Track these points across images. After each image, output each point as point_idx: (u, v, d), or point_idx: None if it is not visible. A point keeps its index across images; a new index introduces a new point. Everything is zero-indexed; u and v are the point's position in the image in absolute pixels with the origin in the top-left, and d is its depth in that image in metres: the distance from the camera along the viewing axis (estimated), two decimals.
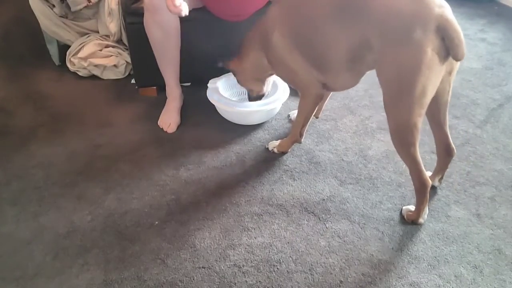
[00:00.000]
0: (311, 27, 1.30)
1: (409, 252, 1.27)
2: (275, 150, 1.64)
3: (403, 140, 1.22)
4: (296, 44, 1.36)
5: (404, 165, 1.56)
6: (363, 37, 1.18)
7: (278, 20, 1.39)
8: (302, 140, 1.63)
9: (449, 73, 1.19)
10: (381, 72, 1.20)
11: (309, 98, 1.49)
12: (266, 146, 1.67)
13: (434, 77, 1.12)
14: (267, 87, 1.72)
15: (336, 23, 1.23)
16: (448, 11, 1.09)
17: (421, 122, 1.17)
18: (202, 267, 1.23)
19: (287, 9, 1.38)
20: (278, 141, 1.66)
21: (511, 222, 1.36)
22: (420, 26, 1.07)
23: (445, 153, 1.40)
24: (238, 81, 1.70)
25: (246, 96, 1.89)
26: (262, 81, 1.68)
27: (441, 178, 1.47)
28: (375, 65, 1.21)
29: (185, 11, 1.38)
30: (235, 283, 1.19)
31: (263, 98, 1.74)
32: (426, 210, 1.34)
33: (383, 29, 1.13)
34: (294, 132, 1.60)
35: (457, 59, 1.11)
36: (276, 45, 1.41)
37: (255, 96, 1.72)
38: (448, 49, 1.09)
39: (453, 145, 1.38)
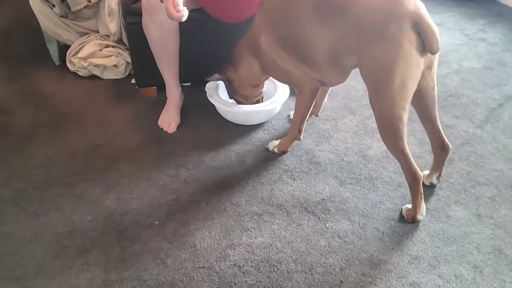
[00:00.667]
0: (294, 26, 1.34)
1: (409, 252, 1.27)
2: (275, 150, 1.64)
3: (389, 133, 1.25)
4: (281, 44, 1.40)
5: None
6: (342, 34, 1.22)
7: (263, 24, 1.43)
8: (302, 137, 1.64)
9: (429, 68, 1.22)
10: (361, 68, 1.23)
11: (305, 94, 1.52)
12: (266, 146, 1.67)
13: (412, 69, 1.15)
14: (263, 89, 1.74)
15: (316, 21, 1.26)
16: (421, 7, 1.13)
17: (406, 116, 1.20)
18: (202, 267, 1.23)
19: (270, 11, 1.42)
20: (278, 141, 1.66)
21: (511, 222, 1.36)
22: (395, 21, 1.11)
23: (440, 150, 1.41)
24: (233, 91, 1.69)
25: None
26: (258, 85, 1.69)
27: (439, 175, 1.47)
28: (357, 63, 1.25)
29: (185, 16, 1.37)
30: (235, 283, 1.19)
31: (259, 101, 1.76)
32: (423, 205, 1.34)
33: (360, 26, 1.17)
34: (293, 130, 1.61)
35: (432, 52, 1.14)
36: (264, 48, 1.45)
37: (253, 103, 1.74)
38: (424, 43, 1.13)
39: (447, 141, 1.39)
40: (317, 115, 1.82)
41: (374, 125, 1.79)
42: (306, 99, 1.53)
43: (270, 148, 1.66)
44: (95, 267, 1.23)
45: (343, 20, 1.20)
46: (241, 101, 1.73)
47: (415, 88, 1.18)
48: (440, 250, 1.28)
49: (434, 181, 1.47)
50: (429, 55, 1.16)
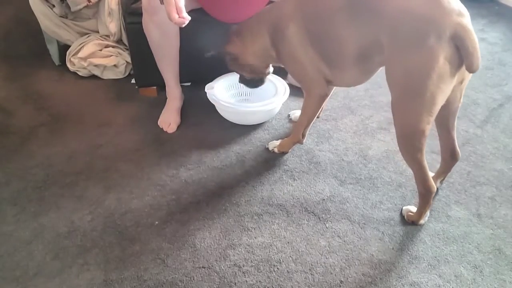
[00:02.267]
0: (324, 21, 1.28)
1: (409, 252, 1.27)
2: (276, 150, 1.64)
3: (409, 146, 1.20)
4: (309, 38, 1.34)
5: (405, 165, 1.57)
6: (374, 36, 1.16)
7: (294, 14, 1.36)
8: (304, 141, 1.63)
9: (461, 82, 1.16)
10: (389, 74, 1.17)
11: (313, 98, 1.48)
12: (266, 146, 1.67)
13: (444, 86, 1.09)
14: (270, 68, 1.67)
15: (349, 20, 1.21)
16: (467, 20, 1.05)
17: (429, 129, 1.15)
18: (202, 267, 1.23)
19: (303, 2, 1.35)
20: (279, 141, 1.65)
21: (511, 222, 1.36)
22: (435, 32, 1.04)
23: (450, 157, 1.38)
24: (236, 66, 1.61)
25: (244, 95, 1.88)
26: (265, 67, 1.63)
27: (443, 179, 1.47)
28: (384, 65, 1.20)
29: (187, 21, 1.33)
30: (235, 283, 1.19)
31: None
32: (428, 212, 1.34)
33: (395, 30, 1.10)
34: (296, 133, 1.59)
35: (471, 70, 1.07)
36: (290, 38, 1.37)
37: (258, 78, 1.67)
38: (462, 59, 1.06)
39: (458, 150, 1.37)
40: (318, 117, 1.81)
41: (374, 125, 1.80)
42: (313, 103, 1.49)
43: (270, 148, 1.65)
44: (95, 267, 1.23)
45: (378, 21, 1.14)
46: (247, 76, 1.65)
47: (443, 103, 1.12)
48: (440, 250, 1.28)
49: (437, 184, 1.46)
50: (463, 69, 1.08)
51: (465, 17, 1.06)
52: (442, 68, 1.05)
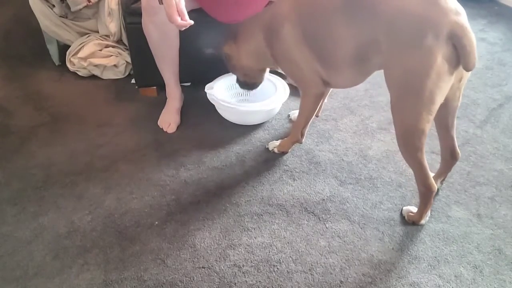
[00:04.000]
0: (320, 21, 1.28)
1: (409, 252, 1.27)
2: (276, 150, 1.64)
3: (409, 145, 1.20)
4: (305, 38, 1.33)
5: (405, 165, 1.57)
6: (371, 36, 1.16)
7: (289, 13, 1.35)
8: (303, 140, 1.63)
9: (459, 80, 1.16)
10: (388, 74, 1.17)
11: (309, 98, 1.48)
12: (266, 146, 1.67)
13: (443, 84, 1.09)
14: (265, 75, 1.68)
15: (346, 19, 1.20)
16: (464, 19, 1.05)
17: (429, 128, 1.16)
18: (202, 267, 1.23)
19: (299, 2, 1.35)
20: (279, 141, 1.65)
21: (511, 222, 1.36)
22: (432, 31, 1.04)
23: (449, 157, 1.38)
24: (231, 67, 1.62)
25: (244, 95, 1.88)
26: (260, 70, 1.63)
27: (443, 180, 1.47)
28: (382, 66, 1.19)
29: (189, 25, 1.33)
30: (235, 283, 1.19)
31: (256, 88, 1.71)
32: (428, 212, 1.34)
33: (393, 30, 1.10)
34: (295, 133, 1.59)
35: (467, 69, 1.08)
36: (285, 37, 1.37)
37: (251, 83, 1.67)
38: (459, 57, 1.06)
39: (458, 149, 1.37)
40: (317, 116, 1.81)
41: (374, 125, 1.80)
42: (310, 103, 1.49)
43: (270, 148, 1.65)
44: (95, 267, 1.23)
45: (375, 21, 1.13)
46: (241, 78, 1.66)
47: (442, 101, 1.13)
48: (440, 250, 1.28)
49: (438, 184, 1.45)
50: (461, 68, 1.09)
51: (462, 16, 1.06)
52: (440, 67, 1.06)
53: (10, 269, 1.23)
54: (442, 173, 1.45)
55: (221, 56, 1.62)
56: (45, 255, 1.27)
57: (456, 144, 1.36)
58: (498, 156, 1.62)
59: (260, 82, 1.70)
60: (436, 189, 1.27)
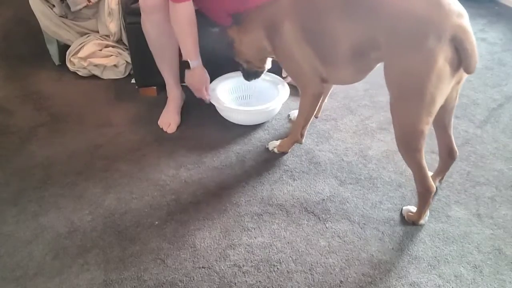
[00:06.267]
0: (320, 18, 1.28)
1: (409, 252, 1.27)
2: (276, 150, 1.64)
3: (408, 146, 1.20)
4: (305, 34, 1.33)
5: (405, 165, 1.57)
6: (370, 34, 1.15)
7: (289, 10, 1.36)
8: (303, 140, 1.63)
9: (458, 82, 1.16)
10: (388, 74, 1.17)
11: (308, 97, 1.49)
12: (266, 146, 1.67)
13: (443, 86, 1.09)
14: (267, 65, 1.67)
15: (344, 17, 1.20)
16: (466, 22, 1.05)
17: (428, 129, 1.15)
18: (202, 267, 1.23)
19: None
20: (279, 141, 1.65)
21: (511, 222, 1.36)
22: (434, 33, 1.03)
23: (447, 156, 1.39)
24: (235, 52, 1.61)
25: (247, 97, 1.87)
26: (261, 59, 1.62)
27: (442, 179, 1.47)
28: (382, 62, 1.19)
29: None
30: (235, 283, 1.19)
31: (261, 75, 1.70)
32: (427, 212, 1.34)
33: (394, 31, 1.09)
34: (295, 133, 1.59)
35: (468, 72, 1.08)
36: (285, 34, 1.37)
37: (253, 71, 1.67)
38: (460, 60, 1.06)
39: (456, 148, 1.37)
40: (316, 117, 1.81)
41: (374, 125, 1.80)
42: (308, 102, 1.50)
43: (270, 148, 1.65)
44: (95, 267, 1.23)
45: (375, 19, 1.13)
46: (244, 65, 1.65)
47: (442, 103, 1.13)
48: (440, 250, 1.28)
49: (436, 184, 1.45)
50: (461, 70, 1.08)
51: (465, 19, 1.06)
52: (441, 69, 1.05)
53: (10, 269, 1.23)
54: (440, 172, 1.45)
55: (224, 37, 1.60)
56: (45, 255, 1.27)
57: (454, 143, 1.36)
58: (498, 156, 1.62)
59: (263, 71, 1.69)
60: (435, 189, 1.27)
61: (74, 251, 1.28)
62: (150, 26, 1.62)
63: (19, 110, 1.92)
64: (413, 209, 1.36)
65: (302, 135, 1.60)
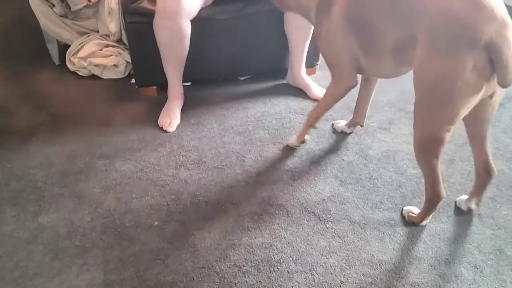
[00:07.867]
0: (368, 9, 1.25)
1: (409, 252, 1.27)
2: (295, 143, 1.64)
3: (426, 150, 1.18)
4: (350, 23, 1.30)
5: (405, 165, 1.57)
6: (411, 32, 1.12)
7: None
8: (317, 125, 1.62)
9: (491, 96, 1.11)
10: (417, 75, 1.13)
11: (339, 87, 1.45)
12: (286, 143, 1.67)
13: (469, 96, 1.04)
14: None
15: (390, 11, 1.18)
16: (508, 30, 0.98)
17: (449, 136, 1.13)
18: (202, 267, 1.23)
19: None
20: (295, 136, 1.65)
21: None
22: (469, 40, 0.99)
23: (484, 173, 1.31)
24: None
25: None
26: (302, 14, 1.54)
27: (479, 200, 1.38)
28: (414, 65, 1.15)
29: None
30: (235, 283, 1.19)
31: None
32: (430, 216, 1.33)
33: (432, 31, 1.06)
34: (309, 116, 1.59)
35: (503, 85, 1.01)
36: (333, 18, 1.34)
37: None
38: (493, 71, 1.01)
39: (493, 165, 1.30)
40: (362, 125, 1.74)
41: (374, 125, 1.79)
42: (337, 92, 1.46)
43: (290, 144, 1.66)
44: (94, 268, 1.23)
45: (417, 17, 1.09)
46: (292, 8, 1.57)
47: (467, 113, 1.08)
48: (440, 250, 1.27)
49: (473, 206, 1.38)
50: (494, 82, 1.03)
51: (507, 28, 0.98)
52: (468, 77, 1.01)
53: (9, 269, 1.23)
54: (477, 192, 1.37)
55: None
56: (44, 255, 1.26)
57: (491, 160, 1.29)
58: (499, 156, 1.62)
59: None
60: (444, 197, 1.24)
61: (73, 252, 1.28)
62: (164, 31, 1.63)
63: (19, 109, 1.92)
64: (414, 209, 1.36)
65: (316, 120, 1.59)
